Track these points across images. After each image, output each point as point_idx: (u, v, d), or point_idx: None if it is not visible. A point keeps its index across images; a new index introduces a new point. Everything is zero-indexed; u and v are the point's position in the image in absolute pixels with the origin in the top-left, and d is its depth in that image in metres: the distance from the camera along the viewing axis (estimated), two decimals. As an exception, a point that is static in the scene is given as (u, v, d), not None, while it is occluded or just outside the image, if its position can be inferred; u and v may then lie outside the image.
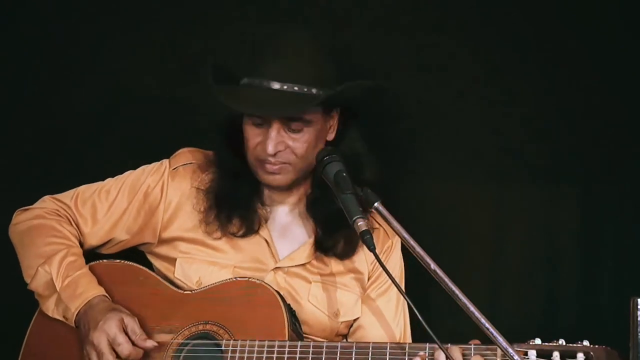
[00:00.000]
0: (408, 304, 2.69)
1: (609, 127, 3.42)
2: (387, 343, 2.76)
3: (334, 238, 2.95)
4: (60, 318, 2.88)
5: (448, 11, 3.48)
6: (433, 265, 2.58)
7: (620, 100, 3.41)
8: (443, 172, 3.50)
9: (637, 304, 2.42)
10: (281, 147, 2.86)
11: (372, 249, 2.68)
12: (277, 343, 2.74)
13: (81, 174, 3.15)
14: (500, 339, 2.47)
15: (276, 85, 2.85)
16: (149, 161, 3.08)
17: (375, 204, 2.71)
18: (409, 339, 3.01)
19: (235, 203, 2.96)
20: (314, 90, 2.86)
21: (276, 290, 2.84)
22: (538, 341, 2.56)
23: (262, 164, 2.89)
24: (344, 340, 3.03)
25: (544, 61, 3.45)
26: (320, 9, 3.50)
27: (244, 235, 2.95)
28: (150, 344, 2.78)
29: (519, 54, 3.46)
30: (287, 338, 2.76)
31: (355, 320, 3.02)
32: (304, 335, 2.91)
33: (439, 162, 3.50)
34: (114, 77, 3.53)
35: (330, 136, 2.99)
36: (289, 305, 2.85)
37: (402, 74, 3.48)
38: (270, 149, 2.85)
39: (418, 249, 2.62)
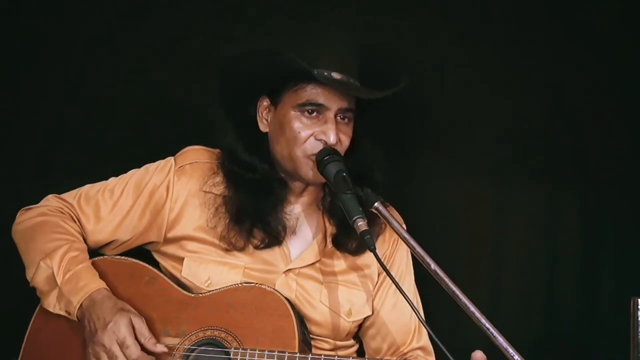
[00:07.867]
0: (410, 305, 2.67)
1: (609, 128, 3.42)
2: None
3: (350, 234, 2.90)
4: (63, 313, 2.85)
5: (447, 12, 3.48)
6: (433, 266, 2.58)
7: (620, 100, 3.41)
8: (443, 172, 3.50)
9: (637, 304, 2.42)
10: (337, 138, 2.85)
11: (372, 249, 2.67)
12: (287, 354, 2.71)
13: (82, 175, 3.13)
14: (501, 339, 2.47)
15: (338, 76, 2.85)
16: (150, 161, 3.05)
17: (376, 204, 2.71)
18: (424, 331, 2.99)
19: (259, 218, 2.90)
20: (358, 84, 2.89)
21: (286, 299, 2.81)
22: None
23: (309, 158, 2.86)
24: (353, 339, 3.03)
25: (545, 61, 3.45)
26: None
27: (267, 247, 2.92)
28: (160, 348, 2.77)
29: (519, 55, 3.46)
30: (297, 349, 2.74)
31: (366, 318, 3.00)
32: (315, 336, 2.90)
33: (439, 163, 3.50)
34: (114, 76, 3.53)
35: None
36: (298, 314, 2.83)
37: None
38: (333, 138, 2.83)
39: (418, 249, 2.62)
